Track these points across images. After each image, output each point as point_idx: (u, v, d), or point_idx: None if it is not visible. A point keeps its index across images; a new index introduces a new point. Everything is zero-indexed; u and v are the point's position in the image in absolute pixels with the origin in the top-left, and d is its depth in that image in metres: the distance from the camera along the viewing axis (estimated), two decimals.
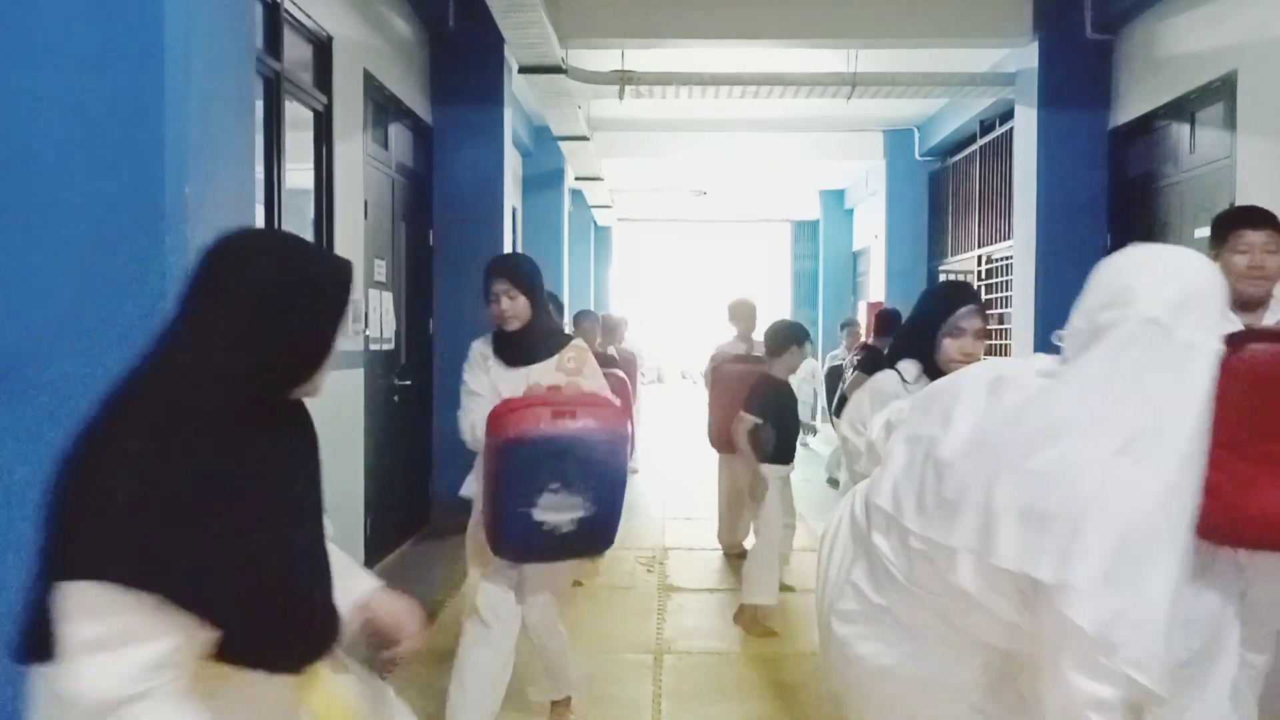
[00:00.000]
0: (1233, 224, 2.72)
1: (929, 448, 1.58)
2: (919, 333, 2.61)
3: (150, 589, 1.17)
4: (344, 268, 1.41)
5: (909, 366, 2.57)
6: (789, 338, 4.56)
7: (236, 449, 1.28)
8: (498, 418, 2.65)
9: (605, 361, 4.61)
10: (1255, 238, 2.66)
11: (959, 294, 2.70)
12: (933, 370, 2.49)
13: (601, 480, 2.62)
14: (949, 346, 2.50)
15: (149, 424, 1.27)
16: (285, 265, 1.35)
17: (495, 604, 2.94)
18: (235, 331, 1.30)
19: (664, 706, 3.50)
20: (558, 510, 2.54)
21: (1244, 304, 2.62)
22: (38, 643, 1.24)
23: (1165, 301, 1.46)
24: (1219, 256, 2.69)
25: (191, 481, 1.22)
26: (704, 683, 3.73)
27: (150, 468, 1.21)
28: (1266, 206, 4.49)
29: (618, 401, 2.87)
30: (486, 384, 3.02)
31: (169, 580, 1.18)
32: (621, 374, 4.78)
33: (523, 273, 2.99)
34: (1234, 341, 1.95)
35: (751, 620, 4.39)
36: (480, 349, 3.15)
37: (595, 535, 2.62)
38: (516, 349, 2.97)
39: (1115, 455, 1.39)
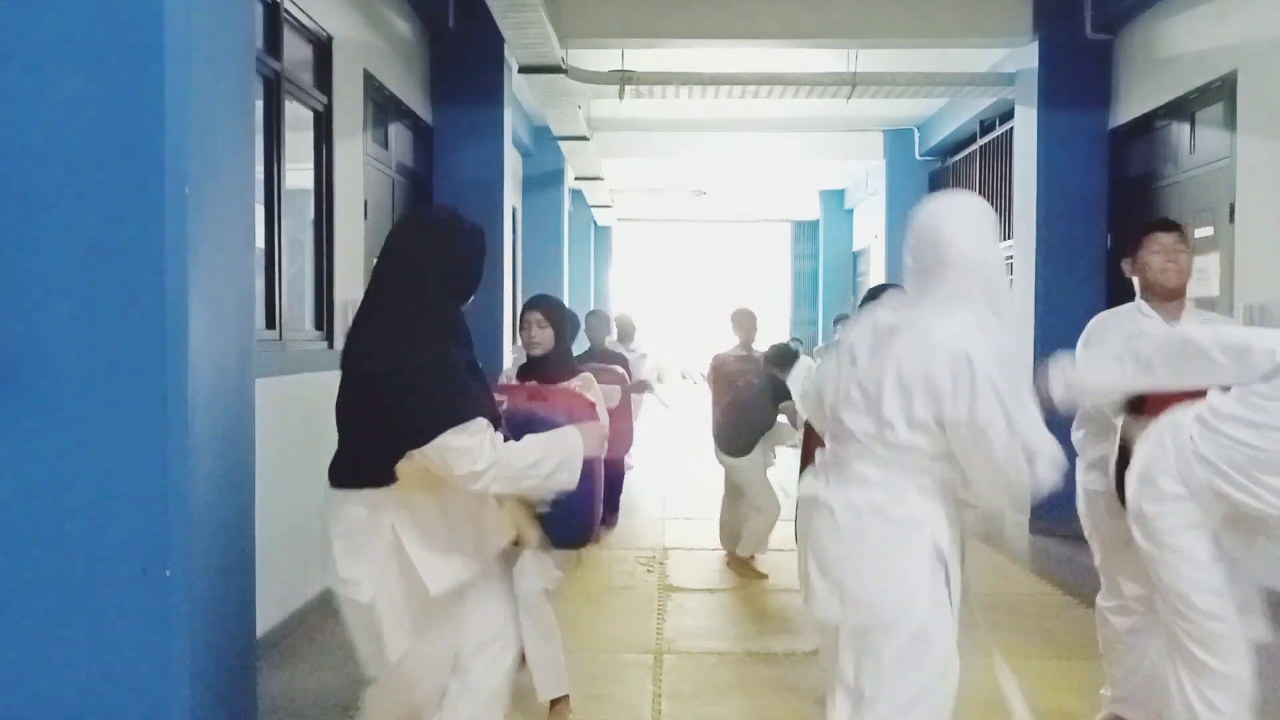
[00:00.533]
0: (1146, 230, 3.16)
1: (846, 361, 2.24)
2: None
3: (476, 416, 2.06)
4: (483, 233, 2.32)
5: None
6: (787, 360, 4.79)
7: (454, 337, 2.17)
8: (506, 395, 2.96)
9: (614, 360, 5.30)
10: (1166, 239, 3.11)
11: (882, 288, 3.27)
12: None
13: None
14: None
15: (410, 335, 2.09)
16: (459, 234, 2.24)
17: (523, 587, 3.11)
18: (439, 272, 2.16)
19: (664, 706, 3.50)
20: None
21: (1164, 295, 3.06)
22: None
23: (971, 242, 2.14)
24: (1138, 260, 3.14)
25: (448, 359, 2.11)
26: (704, 683, 3.73)
27: (428, 359, 2.07)
28: (1267, 206, 4.74)
29: (605, 410, 3.11)
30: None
31: (477, 409, 2.07)
32: (621, 370, 4.95)
33: (553, 310, 3.43)
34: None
35: (743, 565, 5.27)
36: (508, 372, 3.71)
37: (570, 522, 2.68)
38: (537, 373, 3.33)
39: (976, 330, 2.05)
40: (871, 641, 2.11)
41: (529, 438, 2.21)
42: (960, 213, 2.22)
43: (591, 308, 8.63)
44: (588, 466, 2.55)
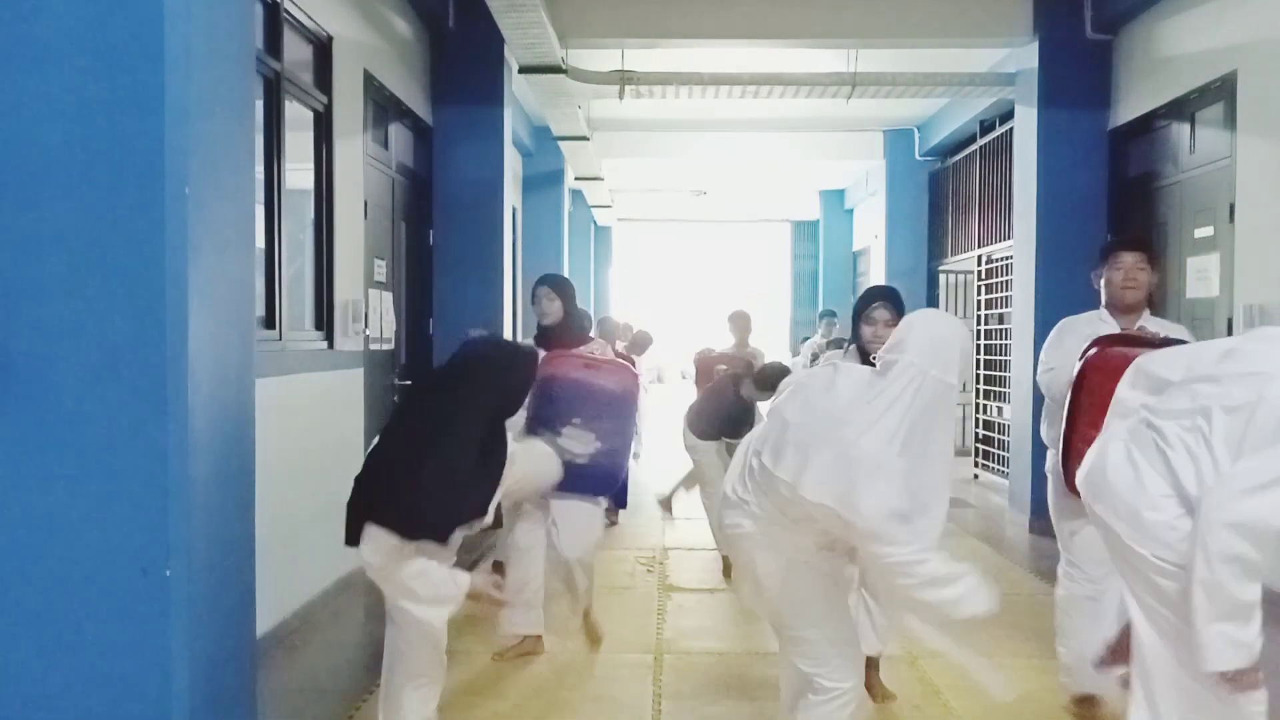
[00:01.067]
0: (1112, 249, 3.49)
1: (783, 413, 2.45)
2: (852, 323, 3.39)
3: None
4: (533, 364, 2.83)
5: (850, 349, 3.39)
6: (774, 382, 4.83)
7: (493, 445, 2.61)
8: (542, 364, 3.31)
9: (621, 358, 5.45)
10: (1129, 258, 3.41)
11: (873, 293, 3.38)
12: (862, 350, 3.24)
13: (612, 424, 3.44)
14: (865, 331, 3.26)
15: (462, 439, 2.55)
16: (514, 368, 2.72)
17: (530, 532, 3.84)
18: (493, 401, 2.64)
19: (664, 706, 3.50)
20: (577, 441, 3.26)
21: (1123, 309, 3.40)
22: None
23: (923, 352, 2.31)
24: (1104, 274, 3.45)
25: (482, 460, 2.59)
26: (704, 683, 3.73)
27: (465, 455, 2.53)
28: (1267, 206, 4.77)
29: (635, 374, 3.78)
30: None
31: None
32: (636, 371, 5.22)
33: (559, 284, 4.09)
34: (1098, 343, 3.04)
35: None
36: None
37: (605, 474, 3.34)
38: (549, 339, 3.98)
39: (886, 443, 2.25)
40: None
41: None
42: (933, 327, 2.42)
43: (592, 308, 8.73)
44: (625, 423, 3.37)
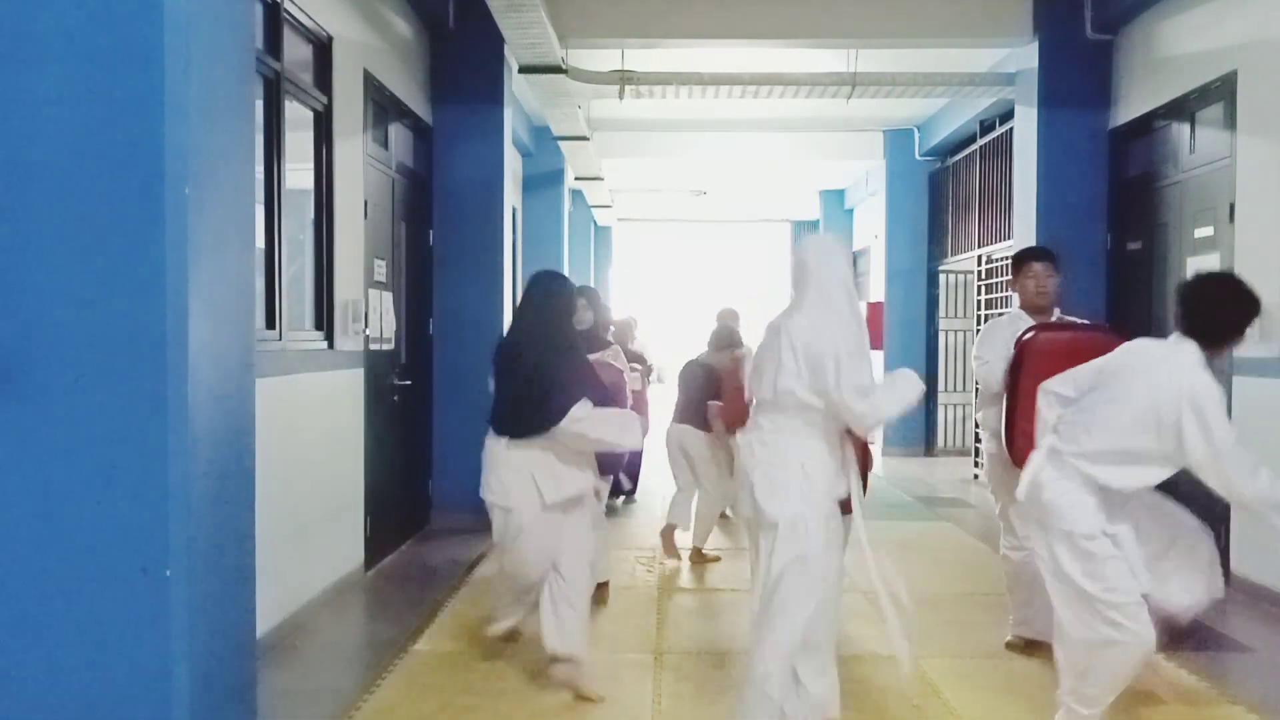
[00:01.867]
0: (1024, 259, 4.18)
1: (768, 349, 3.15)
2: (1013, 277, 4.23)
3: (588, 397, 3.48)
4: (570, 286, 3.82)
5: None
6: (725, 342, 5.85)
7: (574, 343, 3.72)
8: None
9: (633, 358, 6.29)
10: (1039, 267, 4.08)
11: (1030, 252, 4.23)
12: (1029, 305, 4.10)
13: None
14: (1028, 285, 4.12)
15: (555, 347, 3.54)
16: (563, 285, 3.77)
17: None
18: (566, 310, 3.71)
19: (664, 706, 3.50)
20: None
21: (1036, 311, 4.04)
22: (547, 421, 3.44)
23: (834, 273, 3.10)
24: (1017, 282, 4.13)
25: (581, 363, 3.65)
26: (704, 683, 3.73)
27: (564, 363, 3.50)
28: (1267, 206, 4.83)
29: (625, 371, 4.66)
30: None
31: (594, 393, 3.53)
32: (639, 368, 6.06)
33: (594, 296, 4.79)
34: (1031, 330, 3.79)
35: (698, 555, 5.67)
36: None
37: (611, 457, 4.01)
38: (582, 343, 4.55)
39: (842, 327, 3.01)
40: (765, 531, 3.05)
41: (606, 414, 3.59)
42: (817, 245, 3.32)
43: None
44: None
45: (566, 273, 11.46)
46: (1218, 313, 2.95)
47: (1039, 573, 3.24)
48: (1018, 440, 3.62)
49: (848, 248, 3.35)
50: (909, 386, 3.10)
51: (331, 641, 4.34)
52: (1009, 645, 4.09)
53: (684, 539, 5.79)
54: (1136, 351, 3.06)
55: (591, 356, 4.18)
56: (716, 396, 5.44)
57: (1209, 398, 2.84)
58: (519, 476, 3.49)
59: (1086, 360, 3.20)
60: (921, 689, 3.66)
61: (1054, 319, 4.05)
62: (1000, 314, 4.58)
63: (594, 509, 4.07)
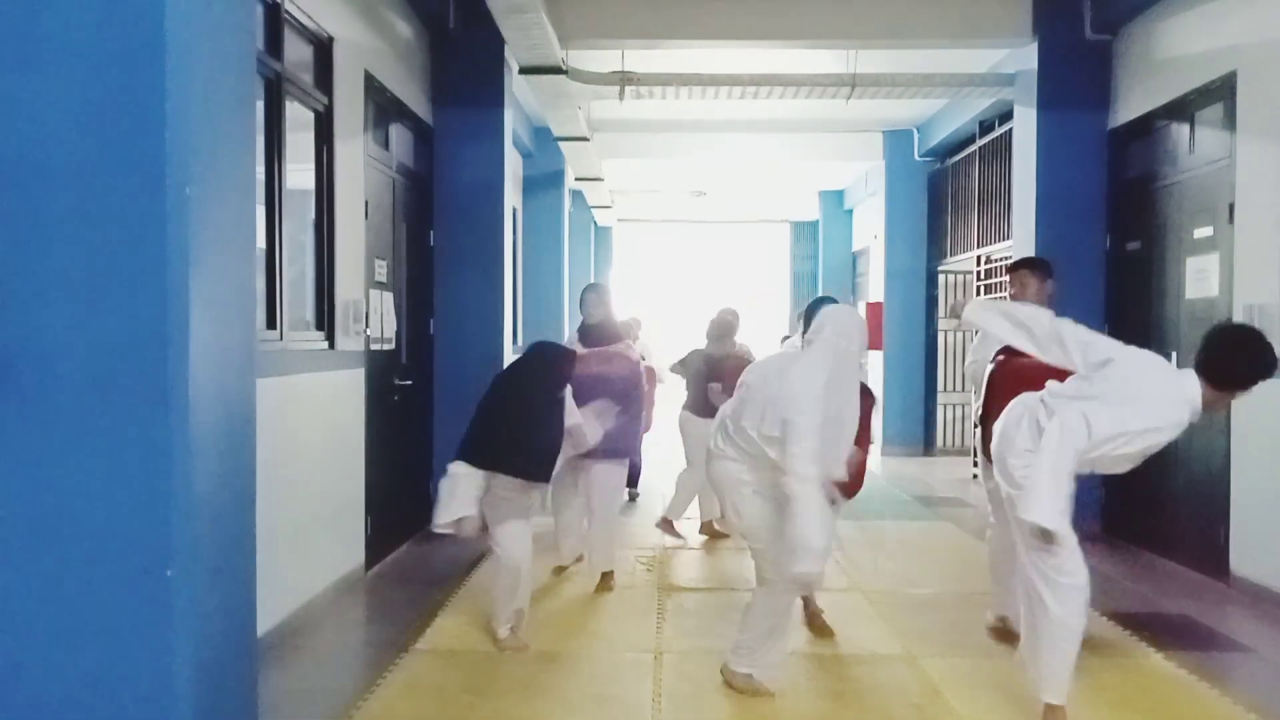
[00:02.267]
0: (1017, 267, 4.62)
1: (746, 381, 3.63)
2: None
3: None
4: (572, 357, 4.34)
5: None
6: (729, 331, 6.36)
7: (557, 407, 4.16)
8: (578, 363, 4.52)
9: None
10: (1029, 275, 4.51)
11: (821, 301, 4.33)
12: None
13: (623, 403, 4.65)
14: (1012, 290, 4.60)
15: (545, 416, 4.08)
16: (559, 360, 4.25)
17: (565, 497, 5.18)
18: (551, 382, 4.17)
19: (664, 706, 3.50)
20: (603, 415, 4.43)
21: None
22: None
23: (835, 332, 3.49)
24: (1013, 288, 4.54)
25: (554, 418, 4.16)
26: (704, 683, 3.73)
27: (550, 424, 4.06)
28: (1267, 206, 4.84)
29: (637, 360, 5.22)
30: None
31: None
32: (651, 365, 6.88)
33: (604, 292, 5.32)
34: (1001, 354, 4.12)
35: (710, 529, 6.28)
36: (570, 335, 5.45)
37: (622, 440, 4.60)
38: (591, 334, 5.14)
39: (821, 391, 3.34)
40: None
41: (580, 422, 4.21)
42: (836, 316, 3.60)
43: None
44: (632, 399, 4.88)
45: (566, 273, 11.54)
46: (1233, 357, 3.11)
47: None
48: (988, 439, 3.83)
49: (863, 324, 3.68)
50: (815, 519, 3.25)
51: (331, 641, 4.34)
52: (990, 628, 4.29)
53: (686, 539, 5.79)
54: (1150, 364, 3.23)
55: (604, 350, 5.04)
56: (716, 379, 5.83)
57: (1165, 427, 3.09)
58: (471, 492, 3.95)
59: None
60: (921, 689, 3.66)
61: None
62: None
63: (609, 482, 5.03)
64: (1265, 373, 3.07)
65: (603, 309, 5.14)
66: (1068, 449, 3.04)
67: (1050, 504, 3.03)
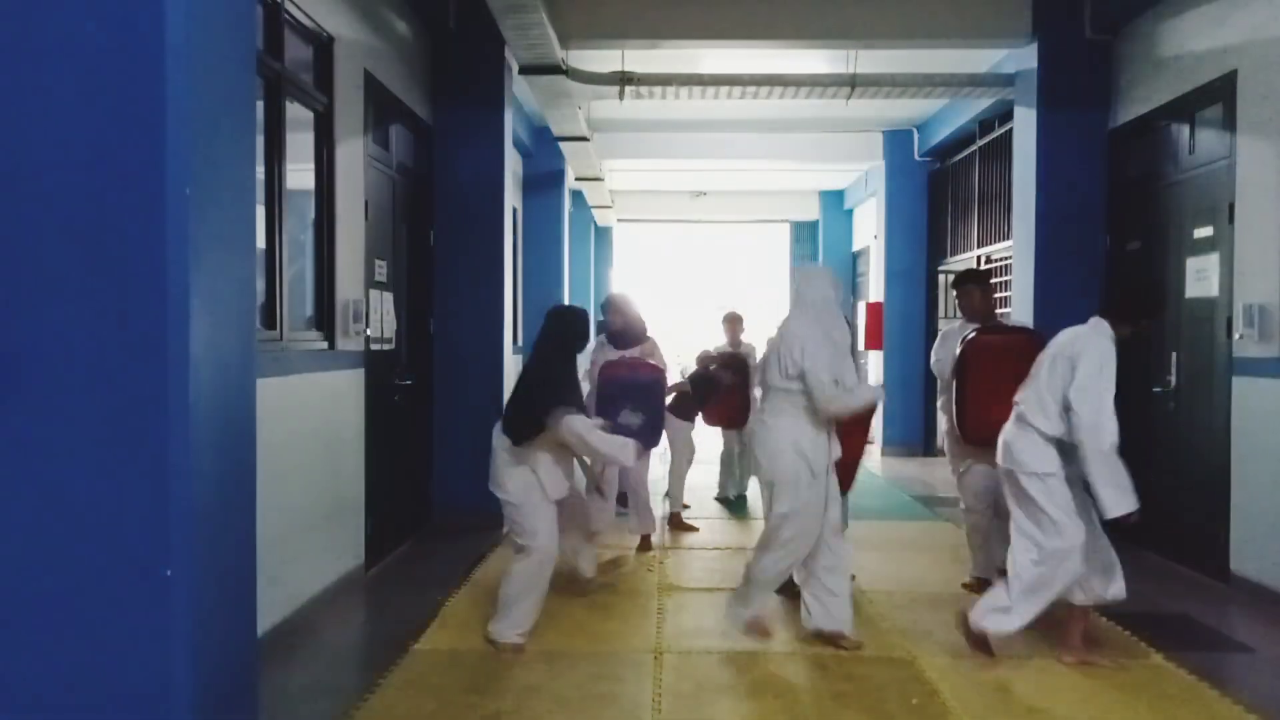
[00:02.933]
0: (961, 281, 5.26)
1: (764, 356, 4.31)
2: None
3: (577, 406, 4.15)
4: (584, 315, 4.43)
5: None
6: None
7: (570, 365, 4.32)
8: (604, 369, 5.42)
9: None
10: (974, 288, 5.18)
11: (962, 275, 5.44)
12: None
13: (648, 403, 5.07)
14: (963, 303, 5.32)
15: (556, 362, 4.20)
16: (572, 319, 4.35)
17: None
18: (572, 337, 4.30)
19: (664, 706, 3.50)
20: (631, 417, 4.83)
21: (974, 319, 5.11)
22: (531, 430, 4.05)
23: (814, 287, 4.21)
24: (959, 298, 5.26)
25: (571, 376, 4.25)
26: (704, 683, 3.73)
27: (560, 376, 4.14)
28: (1267, 206, 4.87)
29: (660, 366, 5.65)
30: (600, 357, 5.76)
31: (577, 401, 4.18)
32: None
33: (626, 300, 5.95)
34: (974, 332, 4.95)
35: (677, 519, 6.71)
36: (599, 339, 6.02)
37: (648, 431, 4.97)
38: (618, 339, 5.79)
39: (820, 335, 4.04)
40: (766, 487, 4.18)
41: (598, 435, 4.13)
42: (804, 273, 4.38)
43: (592, 309, 9.74)
44: (656, 400, 5.25)
45: (566, 273, 11.53)
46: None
47: (991, 525, 4.93)
48: (968, 420, 4.83)
49: (833, 274, 4.36)
50: (870, 393, 4.23)
51: (331, 641, 4.35)
52: (965, 586, 5.09)
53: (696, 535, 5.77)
54: (1062, 333, 4.03)
55: (628, 353, 5.63)
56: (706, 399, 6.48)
57: (1091, 350, 3.82)
58: (519, 472, 4.12)
59: (1017, 354, 4.39)
60: (921, 689, 3.66)
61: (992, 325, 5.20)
62: (951, 322, 6.18)
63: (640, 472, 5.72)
64: (1155, 308, 4.15)
65: (621, 317, 5.78)
66: (1104, 440, 3.72)
67: (1120, 494, 3.71)
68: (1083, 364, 3.77)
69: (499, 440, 4.14)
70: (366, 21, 5.43)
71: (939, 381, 5.42)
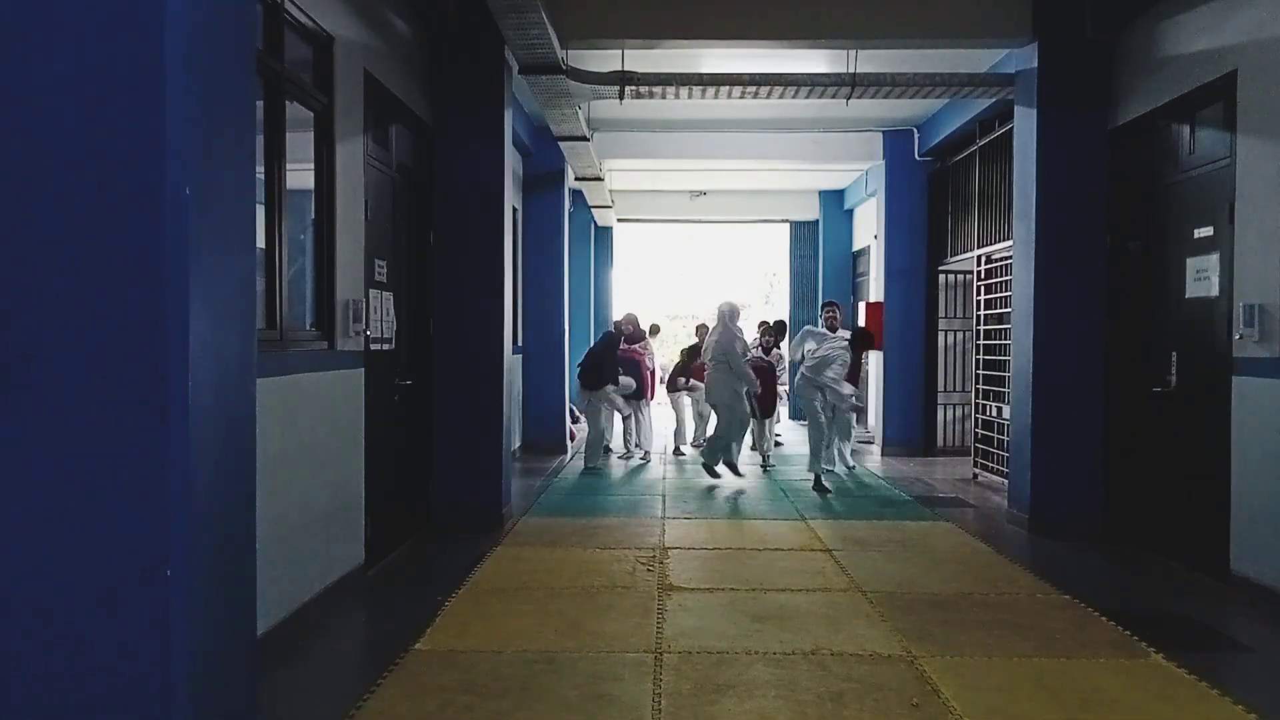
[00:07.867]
0: (825, 306, 9.65)
1: (811, 351, 9.12)
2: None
3: (613, 379, 10.24)
4: (616, 338, 10.61)
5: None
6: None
7: (613, 356, 10.35)
8: (621, 352, 10.43)
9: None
10: (829, 310, 9.44)
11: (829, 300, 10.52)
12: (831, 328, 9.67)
13: (636, 373, 10.38)
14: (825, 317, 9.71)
15: (607, 352, 10.21)
16: (610, 339, 10.48)
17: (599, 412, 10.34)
18: (609, 345, 10.32)
19: (664, 706, 3.50)
20: (625, 379, 10.10)
21: (829, 328, 9.24)
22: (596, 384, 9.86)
23: (731, 317, 9.12)
24: (822, 313, 9.80)
25: (614, 360, 10.35)
26: (704, 683, 3.73)
27: (609, 361, 10.31)
28: (1267, 206, 4.87)
29: (646, 356, 11.11)
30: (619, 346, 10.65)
31: (614, 375, 10.24)
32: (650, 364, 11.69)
33: (632, 318, 11.11)
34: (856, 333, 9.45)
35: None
36: (619, 337, 10.73)
37: (639, 389, 10.36)
38: (627, 339, 10.68)
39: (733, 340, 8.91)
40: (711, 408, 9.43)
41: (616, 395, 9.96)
42: (720, 309, 8.97)
43: (592, 309, 11.90)
44: (640, 372, 10.54)
45: (566, 273, 11.58)
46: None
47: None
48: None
49: (736, 307, 8.74)
50: (750, 372, 8.77)
51: (331, 641, 4.34)
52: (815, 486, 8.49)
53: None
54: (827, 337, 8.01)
55: (631, 346, 10.55)
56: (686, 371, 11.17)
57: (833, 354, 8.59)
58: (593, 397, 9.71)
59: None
60: (921, 689, 3.66)
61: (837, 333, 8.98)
62: (810, 326, 9.80)
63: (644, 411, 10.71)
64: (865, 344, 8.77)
65: (630, 326, 10.87)
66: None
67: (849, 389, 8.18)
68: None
69: (579, 386, 9.81)
70: (366, 21, 5.43)
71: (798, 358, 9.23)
